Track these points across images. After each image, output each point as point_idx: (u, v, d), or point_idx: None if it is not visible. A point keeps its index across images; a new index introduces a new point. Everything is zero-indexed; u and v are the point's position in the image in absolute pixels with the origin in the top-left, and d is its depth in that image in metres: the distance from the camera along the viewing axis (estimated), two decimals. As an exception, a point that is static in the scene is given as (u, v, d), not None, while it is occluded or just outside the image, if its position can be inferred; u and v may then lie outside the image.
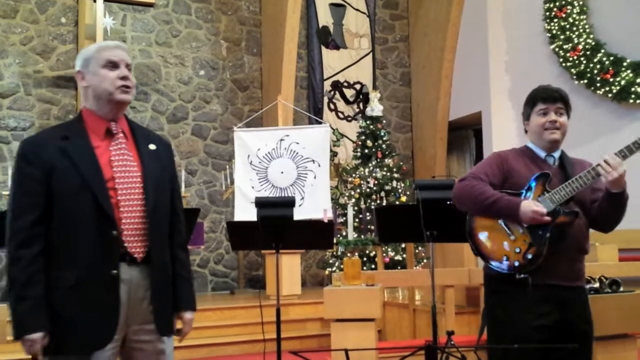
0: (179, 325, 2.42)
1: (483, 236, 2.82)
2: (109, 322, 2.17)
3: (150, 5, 9.72)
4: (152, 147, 2.38)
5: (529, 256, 2.68)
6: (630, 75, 9.22)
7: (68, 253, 2.16)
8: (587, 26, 9.87)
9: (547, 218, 2.65)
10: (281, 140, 8.29)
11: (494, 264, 2.77)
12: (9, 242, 2.15)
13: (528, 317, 2.65)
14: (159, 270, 2.29)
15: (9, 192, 2.25)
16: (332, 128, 10.31)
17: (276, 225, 4.24)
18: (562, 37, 10.03)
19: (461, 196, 2.85)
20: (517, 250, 2.70)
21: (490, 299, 2.89)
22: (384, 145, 9.83)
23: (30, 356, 2.17)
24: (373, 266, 8.64)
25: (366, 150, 9.80)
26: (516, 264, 2.70)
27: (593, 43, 9.70)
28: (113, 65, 2.29)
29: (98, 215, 2.16)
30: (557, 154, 2.87)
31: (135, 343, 2.27)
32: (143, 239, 2.24)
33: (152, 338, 2.29)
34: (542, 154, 2.86)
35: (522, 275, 2.67)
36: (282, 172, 8.20)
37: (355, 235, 8.65)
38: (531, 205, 2.67)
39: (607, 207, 2.75)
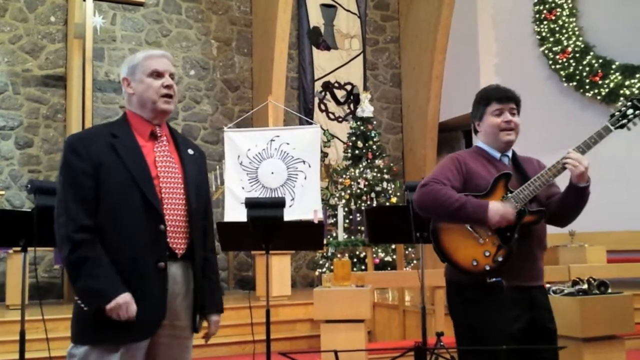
0: (204, 326, 2.48)
1: (449, 242, 2.71)
2: (157, 314, 2.22)
3: (141, 4, 9.68)
4: (190, 152, 2.47)
5: (500, 259, 2.61)
6: (619, 77, 9.28)
7: (115, 245, 2.20)
8: (576, 29, 9.93)
9: (514, 218, 2.61)
10: (271, 140, 8.27)
11: (463, 268, 2.68)
12: (65, 229, 2.17)
13: (504, 322, 2.60)
14: (198, 267, 2.37)
15: (56, 186, 2.31)
16: (322, 129, 10.30)
17: (266, 225, 4.23)
18: (551, 39, 10.08)
19: (425, 203, 2.72)
20: (487, 253, 2.63)
21: (461, 307, 2.77)
22: (374, 146, 9.84)
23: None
24: (363, 267, 8.64)
25: (357, 151, 9.81)
26: (487, 267, 2.62)
27: (582, 45, 9.76)
28: (158, 74, 2.37)
29: (145, 209, 2.23)
30: (510, 154, 2.84)
31: (164, 338, 2.29)
32: (184, 236, 2.32)
33: (180, 334, 2.34)
34: (497, 155, 2.81)
35: (493, 279, 2.60)
36: (272, 173, 8.19)
37: (346, 236, 8.64)
38: (499, 207, 2.61)
39: (571, 202, 2.71)
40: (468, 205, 2.61)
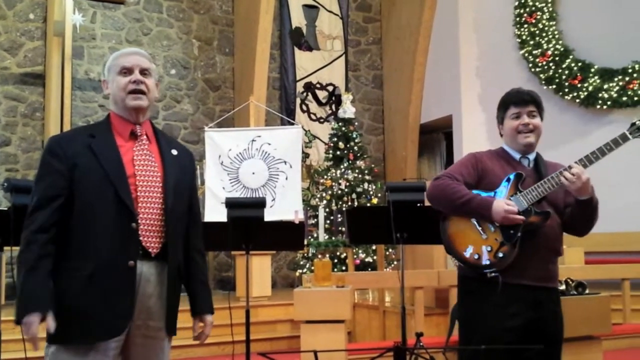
0: (200, 325, 2.51)
1: (455, 234, 2.84)
2: (124, 313, 2.20)
3: (121, 2, 9.61)
4: (174, 152, 2.45)
5: (500, 255, 2.70)
6: (598, 81, 9.38)
7: (86, 243, 2.21)
8: (556, 32, 10.03)
9: (519, 217, 2.68)
10: (253, 140, 8.25)
11: (465, 260, 2.79)
12: (26, 227, 2.19)
13: (499, 317, 2.67)
14: (173, 268, 2.34)
15: (33, 183, 2.34)
16: (304, 129, 10.30)
17: (247, 226, 4.21)
18: (531, 42, 10.16)
19: (435, 195, 2.87)
20: (489, 248, 2.73)
21: (464, 299, 2.92)
22: (355, 147, 9.86)
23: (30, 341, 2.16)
24: (344, 268, 8.65)
25: (338, 152, 9.82)
26: (487, 262, 2.72)
27: (562, 49, 9.85)
28: (127, 71, 2.37)
29: (118, 207, 2.22)
30: (532, 156, 2.90)
31: (137, 338, 2.28)
32: (159, 236, 2.30)
33: (155, 335, 2.31)
34: (517, 156, 2.90)
35: (492, 274, 2.69)
36: (253, 173, 8.17)
37: (326, 237, 8.64)
38: (503, 204, 2.69)
39: (578, 213, 2.79)
40: (473, 201, 2.74)
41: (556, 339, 2.80)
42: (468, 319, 2.85)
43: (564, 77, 9.70)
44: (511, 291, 2.68)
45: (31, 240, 2.17)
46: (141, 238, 2.25)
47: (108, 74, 2.42)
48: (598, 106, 9.38)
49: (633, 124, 2.77)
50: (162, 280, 2.32)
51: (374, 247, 8.89)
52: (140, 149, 2.35)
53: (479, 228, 2.78)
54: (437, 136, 12.32)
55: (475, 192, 2.80)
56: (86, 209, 2.22)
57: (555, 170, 2.82)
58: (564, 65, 9.72)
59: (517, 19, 10.40)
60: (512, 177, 2.79)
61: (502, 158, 2.91)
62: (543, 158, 2.93)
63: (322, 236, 8.34)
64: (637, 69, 9.07)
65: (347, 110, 9.93)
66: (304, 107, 11.41)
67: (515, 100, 2.87)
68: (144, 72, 2.39)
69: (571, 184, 2.66)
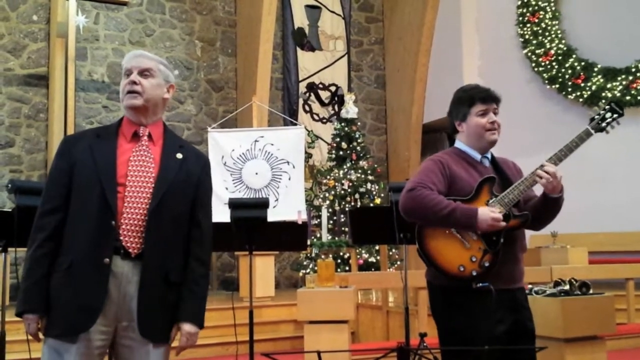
0: (174, 336, 2.38)
1: (435, 247, 2.69)
2: (93, 306, 2.21)
3: (124, 3, 9.61)
4: (179, 155, 2.43)
5: (486, 264, 2.60)
6: (601, 80, 9.37)
7: (69, 239, 2.28)
8: (559, 32, 10.02)
9: (503, 223, 2.61)
10: (256, 141, 8.26)
11: (449, 273, 2.66)
12: (34, 226, 2.33)
13: (489, 325, 2.59)
14: (150, 269, 2.28)
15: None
16: (307, 130, 10.30)
17: (250, 226, 4.22)
18: (534, 42, 10.16)
19: (412, 207, 2.68)
20: (473, 259, 2.62)
21: (445, 311, 2.75)
22: (358, 148, 9.86)
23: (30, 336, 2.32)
24: (347, 268, 8.65)
25: (341, 152, 9.82)
26: (474, 273, 2.61)
27: (565, 48, 9.84)
28: (128, 72, 2.42)
29: (100, 205, 2.26)
30: (489, 155, 2.83)
31: (124, 339, 2.29)
32: (141, 237, 2.29)
33: (139, 337, 2.29)
34: (478, 156, 2.80)
35: (480, 285, 2.59)
36: (256, 174, 8.18)
37: (329, 237, 8.65)
38: (489, 212, 2.59)
39: (544, 210, 2.73)
40: (457, 212, 2.59)
41: (534, 337, 2.76)
42: (457, 331, 2.69)
43: (567, 76, 9.70)
44: (493, 297, 2.59)
45: (31, 239, 2.30)
46: (122, 237, 2.25)
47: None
48: (601, 105, 9.35)
49: (592, 119, 2.78)
50: (136, 281, 2.28)
51: (377, 248, 8.89)
52: (139, 149, 2.37)
53: (461, 237, 2.65)
54: (439, 136, 12.31)
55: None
56: (76, 207, 2.30)
57: (508, 166, 2.80)
58: (567, 65, 9.72)
59: (520, 18, 10.40)
60: (484, 181, 2.69)
61: (463, 160, 2.79)
62: (494, 155, 2.87)
63: (325, 236, 8.34)
64: (640, 68, 9.07)
65: (350, 110, 9.93)
66: (307, 108, 11.41)
67: (482, 97, 2.75)
68: (143, 72, 2.41)
69: (548, 182, 2.62)
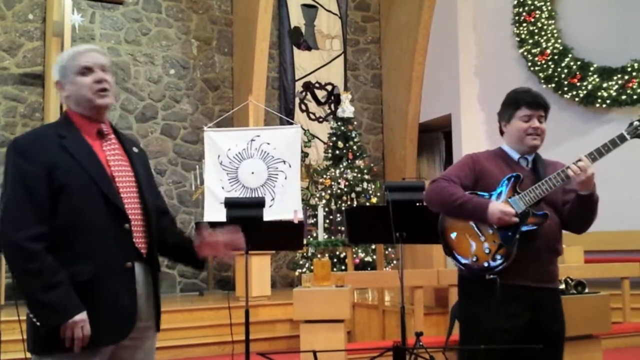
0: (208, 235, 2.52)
1: (454, 236, 2.84)
2: (128, 316, 2.19)
3: (120, 2, 9.61)
4: (135, 150, 2.42)
5: (499, 257, 2.69)
6: (597, 79, 9.37)
7: (82, 248, 2.14)
8: (555, 31, 10.02)
9: (515, 219, 2.67)
10: (252, 140, 8.25)
11: (464, 262, 2.79)
12: (15, 236, 2.07)
13: (497, 318, 2.65)
14: (157, 268, 2.35)
15: (3, 190, 2.18)
16: (303, 129, 10.29)
17: (246, 225, 4.20)
18: (530, 41, 10.15)
19: (431, 198, 2.87)
20: (487, 251, 2.72)
21: (463, 300, 2.94)
22: (354, 147, 9.86)
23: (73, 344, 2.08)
24: (343, 267, 8.65)
25: (337, 152, 9.82)
26: (486, 264, 2.71)
27: (561, 48, 9.84)
28: (88, 70, 2.29)
29: (109, 210, 2.19)
30: (530, 157, 2.87)
31: (127, 340, 2.23)
32: (145, 236, 2.29)
33: (142, 335, 2.29)
34: (516, 156, 2.86)
35: (491, 276, 2.68)
36: (252, 173, 8.17)
37: (326, 236, 8.64)
38: (499, 206, 2.68)
39: (577, 209, 2.76)
40: (470, 203, 2.73)
41: (557, 339, 2.80)
42: (467, 320, 2.87)
43: (563, 75, 9.70)
44: (510, 292, 2.67)
45: (30, 251, 2.06)
46: (135, 240, 2.24)
47: (64, 76, 2.31)
48: (597, 105, 9.37)
49: (631, 124, 2.74)
50: (149, 280, 2.31)
51: (373, 247, 8.89)
52: (110, 148, 2.31)
53: (477, 230, 2.77)
54: (436, 135, 12.32)
55: (470, 193, 2.79)
56: (74, 213, 2.14)
57: (555, 169, 2.79)
58: (563, 64, 9.72)
59: (516, 17, 10.39)
60: (509, 178, 2.76)
61: (501, 158, 2.88)
62: (542, 158, 2.90)
63: (322, 236, 8.34)
64: (636, 67, 9.06)
65: (346, 109, 9.93)
66: (303, 107, 11.41)
67: (529, 102, 2.80)
68: (103, 69, 2.32)
69: (576, 176, 2.63)
